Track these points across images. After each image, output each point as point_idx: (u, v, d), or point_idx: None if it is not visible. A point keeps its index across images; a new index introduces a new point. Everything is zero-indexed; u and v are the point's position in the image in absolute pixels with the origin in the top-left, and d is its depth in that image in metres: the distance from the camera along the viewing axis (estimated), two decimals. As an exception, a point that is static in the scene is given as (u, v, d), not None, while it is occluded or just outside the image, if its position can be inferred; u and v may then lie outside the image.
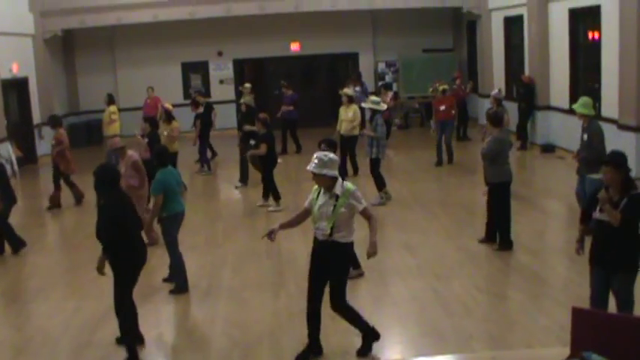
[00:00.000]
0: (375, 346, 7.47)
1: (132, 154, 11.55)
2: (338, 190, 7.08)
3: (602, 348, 4.45)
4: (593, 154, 10.60)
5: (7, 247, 11.79)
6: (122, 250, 7.40)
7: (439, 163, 17.24)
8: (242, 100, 18.58)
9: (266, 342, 7.81)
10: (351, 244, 7.24)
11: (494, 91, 17.34)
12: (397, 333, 8.07)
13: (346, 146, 15.54)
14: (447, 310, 8.37)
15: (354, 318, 7.39)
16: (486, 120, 10.69)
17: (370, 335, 7.41)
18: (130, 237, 7.49)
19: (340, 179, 7.17)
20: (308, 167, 7.09)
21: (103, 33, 24.31)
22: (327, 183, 7.09)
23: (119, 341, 7.79)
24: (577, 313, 4.89)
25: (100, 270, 7.60)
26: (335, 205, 7.03)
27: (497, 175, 10.39)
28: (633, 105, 13.88)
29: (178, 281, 9.51)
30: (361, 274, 9.63)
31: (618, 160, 6.77)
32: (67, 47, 24.75)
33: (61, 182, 14.93)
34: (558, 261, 10.15)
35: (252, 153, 13.99)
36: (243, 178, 16.04)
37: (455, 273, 9.67)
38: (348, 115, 15.45)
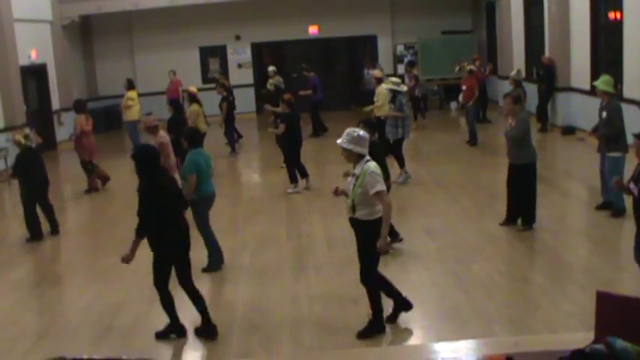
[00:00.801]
0: (397, 330, 7.48)
1: (163, 134, 11.56)
2: (358, 169, 7.12)
3: (628, 333, 4.39)
4: (613, 132, 10.59)
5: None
6: (163, 232, 7.31)
7: (473, 142, 17.28)
8: (270, 82, 18.71)
9: (286, 326, 7.80)
10: (373, 221, 7.15)
11: (513, 72, 17.20)
12: (418, 318, 8.01)
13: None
14: (468, 295, 8.31)
15: (383, 291, 7.49)
16: (508, 102, 10.48)
17: (379, 326, 7.43)
18: (171, 219, 7.39)
19: (365, 158, 7.17)
20: (338, 140, 7.17)
21: (121, 18, 24.34)
22: (353, 159, 7.18)
23: (158, 336, 7.68)
24: (602, 298, 4.83)
25: (127, 260, 7.49)
26: (354, 184, 7.11)
27: (524, 156, 10.28)
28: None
29: (215, 260, 9.64)
30: (400, 240, 9.94)
31: None
32: (84, 33, 24.81)
33: (96, 164, 15.22)
34: (581, 244, 10.06)
35: (271, 130, 13.99)
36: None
37: (476, 257, 9.60)
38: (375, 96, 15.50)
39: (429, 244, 10.26)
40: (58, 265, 10.82)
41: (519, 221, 10.53)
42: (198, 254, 9.64)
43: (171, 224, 7.38)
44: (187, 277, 7.59)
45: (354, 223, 7.25)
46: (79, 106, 15.23)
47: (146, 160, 7.40)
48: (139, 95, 19.30)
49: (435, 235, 10.69)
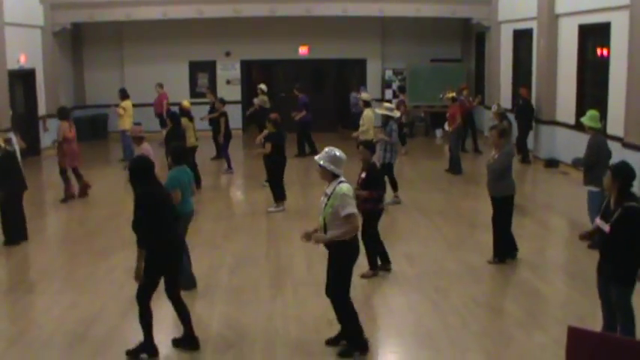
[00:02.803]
0: (371, 356, 7.47)
1: (146, 147, 11.56)
2: (329, 189, 7.19)
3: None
4: (588, 163, 10.81)
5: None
6: (157, 241, 7.28)
7: (456, 171, 17.40)
8: (255, 100, 18.70)
9: (260, 345, 7.77)
10: (344, 242, 7.21)
11: (494, 107, 17.35)
12: (393, 343, 8.02)
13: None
14: (444, 323, 8.32)
15: (348, 318, 7.43)
16: (494, 135, 10.48)
17: (358, 343, 7.45)
18: (165, 228, 7.36)
19: (339, 179, 7.24)
20: (315, 156, 7.34)
21: (112, 28, 24.34)
22: (327, 177, 7.27)
23: (129, 354, 7.53)
24: (573, 332, 4.86)
25: (138, 277, 7.31)
26: (326, 204, 7.18)
27: (503, 188, 10.33)
28: (639, 123, 13.84)
29: (188, 277, 9.52)
30: (374, 274, 9.91)
31: (616, 168, 6.96)
32: (75, 41, 24.75)
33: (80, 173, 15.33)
34: (558, 278, 10.10)
35: (258, 152, 14.08)
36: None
37: (454, 285, 9.62)
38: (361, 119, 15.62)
39: (408, 270, 10.27)
40: (33, 272, 10.74)
41: (494, 252, 10.57)
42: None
43: (164, 233, 7.36)
44: (176, 287, 7.64)
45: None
46: (62, 113, 15.24)
47: (139, 170, 7.47)
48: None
49: (415, 261, 10.71)
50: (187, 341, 7.67)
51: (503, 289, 9.76)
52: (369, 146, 10.15)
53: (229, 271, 10.39)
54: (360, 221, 7.37)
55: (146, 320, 7.44)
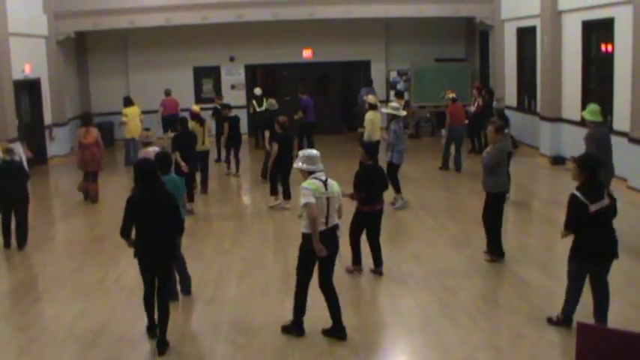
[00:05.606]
0: (380, 356, 7.49)
1: (147, 151, 11.69)
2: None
3: (608, 363, 4.42)
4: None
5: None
6: (138, 240, 7.70)
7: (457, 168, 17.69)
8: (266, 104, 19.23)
9: (269, 349, 7.78)
10: (308, 235, 7.66)
11: (494, 103, 17.55)
12: (402, 343, 8.02)
13: None
14: (453, 321, 8.32)
15: (332, 302, 8.01)
16: (490, 130, 10.58)
17: (337, 330, 7.93)
18: (148, 228, 7.61)
19: (312, 175, 7.70)
20: (294, 165, 7.95)
21: (116, 36, 24.38)
22: (304, 176, 7.78)
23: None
24: (582, 328, 4.85)
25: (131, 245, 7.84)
26: None
27: (495, 184, 10.35)
28: (645, 119, 13.82)
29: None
30: (359, 271, 10.14)
31: (583, 160, 7.65)
32: (79, 49, 24.79)
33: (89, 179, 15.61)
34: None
35: (271, 158, 14.31)
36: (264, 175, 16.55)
37: (462, 284, 9.61)
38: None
39: (416, 270, 10.26)
40: (42, 280, 10.76)
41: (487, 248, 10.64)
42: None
43: (144, 233, 7.65)
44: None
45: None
46: (82, 119, 16.45)
47: (140, 171, 7.74)
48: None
49: (422, 260, 10.70)
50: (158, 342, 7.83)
51: (511, 286, 9.72)
52: (366, 147, 10.27)
53: (238, 275, 10.39)
54: (317, 212, 7.55)
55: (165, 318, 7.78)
